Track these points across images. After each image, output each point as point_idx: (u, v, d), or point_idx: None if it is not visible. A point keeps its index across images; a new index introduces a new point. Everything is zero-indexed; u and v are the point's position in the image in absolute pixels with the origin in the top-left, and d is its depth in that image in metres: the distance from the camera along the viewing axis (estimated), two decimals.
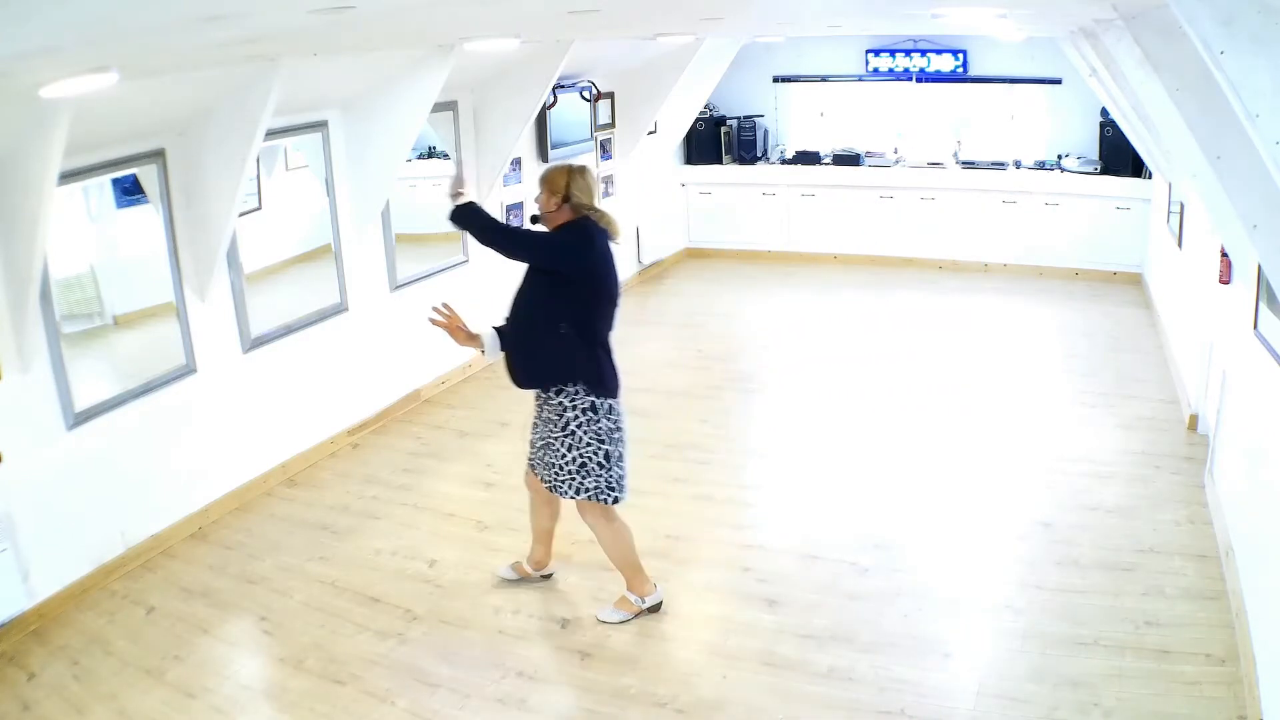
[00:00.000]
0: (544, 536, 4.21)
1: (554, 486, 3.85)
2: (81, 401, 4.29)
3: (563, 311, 3.69)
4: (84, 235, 4.51)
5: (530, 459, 3.98)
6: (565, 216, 3.77)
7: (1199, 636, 3.66)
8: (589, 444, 3.74)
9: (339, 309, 5.84)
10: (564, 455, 3.77)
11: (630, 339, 8.02)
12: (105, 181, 4.45)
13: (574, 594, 4.19)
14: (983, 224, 9.43)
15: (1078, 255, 9.11)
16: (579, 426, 3.73)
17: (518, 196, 7.57)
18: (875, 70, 9.68)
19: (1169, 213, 7.04)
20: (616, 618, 3.97)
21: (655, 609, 4.00)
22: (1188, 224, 6.20)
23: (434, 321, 3.77)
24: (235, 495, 5.12)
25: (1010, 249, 9.37)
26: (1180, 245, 6.51)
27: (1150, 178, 8.41)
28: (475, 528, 4.81)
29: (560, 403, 3.75)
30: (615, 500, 3.83)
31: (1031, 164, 9.29)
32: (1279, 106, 1.83)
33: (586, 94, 8.11)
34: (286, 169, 5.72)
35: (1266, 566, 3.46)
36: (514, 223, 7.60)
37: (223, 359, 5.05)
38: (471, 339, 3.78)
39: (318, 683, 3.66)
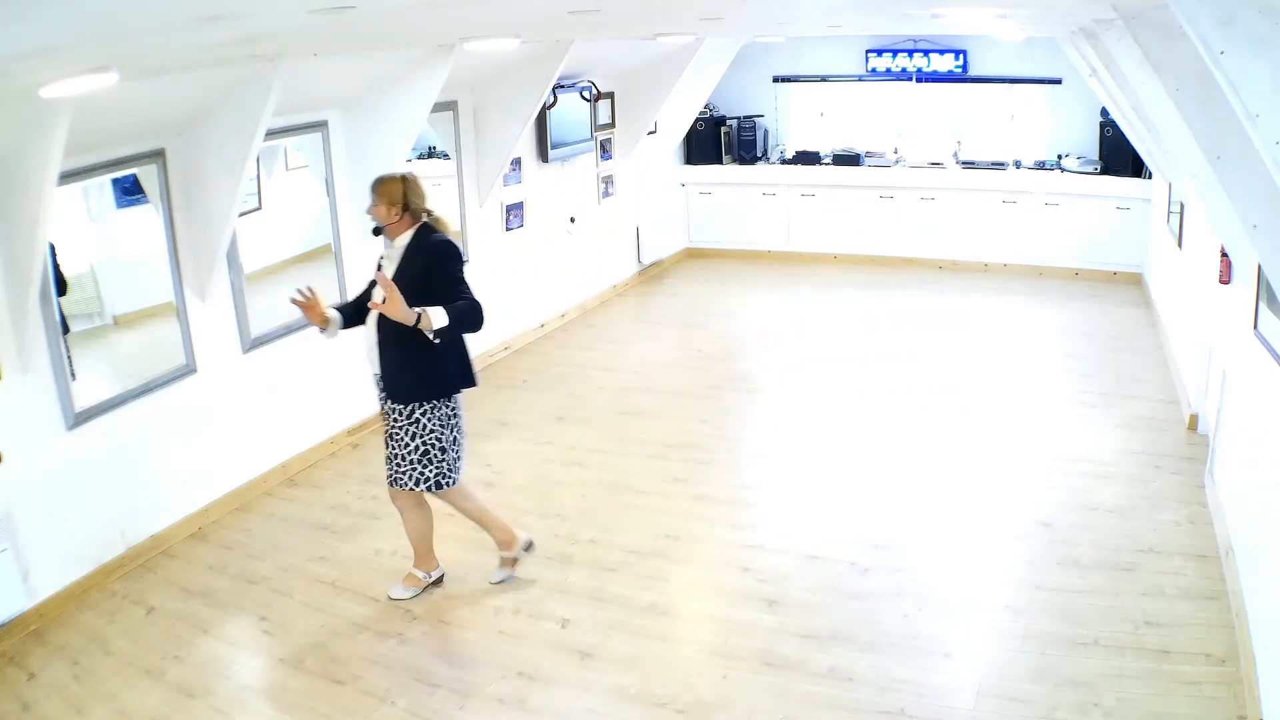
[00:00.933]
0: (485, 520, 4.25)
1: (395, 480, 3.96)
2: (81, 401, 4.29)
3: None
4: (84, 235, 4.51)
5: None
6: (406, 225, 3.84)
7: (1199, 636, 3.66)
8: (433, 431, 3.90)
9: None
10: (408, 445, 3.89)
11: (630, 339, 8.04)
12: (105, 181, 4.45)
13: (574, 594, 4.19)
14: (983, 224, 9.43)
15: (1078, 255, 9.11)
16: (424, 415, 3.88)
17: (518, 197, 7.58)
18: (875, 70, 9.68)
19: (1169, 213, 7.04)
20: (408, 593, 4.18)
21: (438, 581, 4.28)
22: (1188, 224, 6.20)
23: (295, 301, 3.89)
24: (235, 495, 5.12)
25: (1010, 249, 9.37)
26: (1180, 245, 6.51)
27: (1150, 178, 8.41)
28: (475, 528, 4.79)
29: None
30: (451, 484, 4.00)
31: (1031, 164, 9.29)
32: (1279, 106, 1.83)
33: (586, 94, 8.11)
34: (286, 169, 5.72)
35: (1266, 566, 3.46)
36: (510, 220, 7.61)
37: (223, 359, 5.05)
38: (325, 321, 3.92)
39: (318, 683, 3.66)
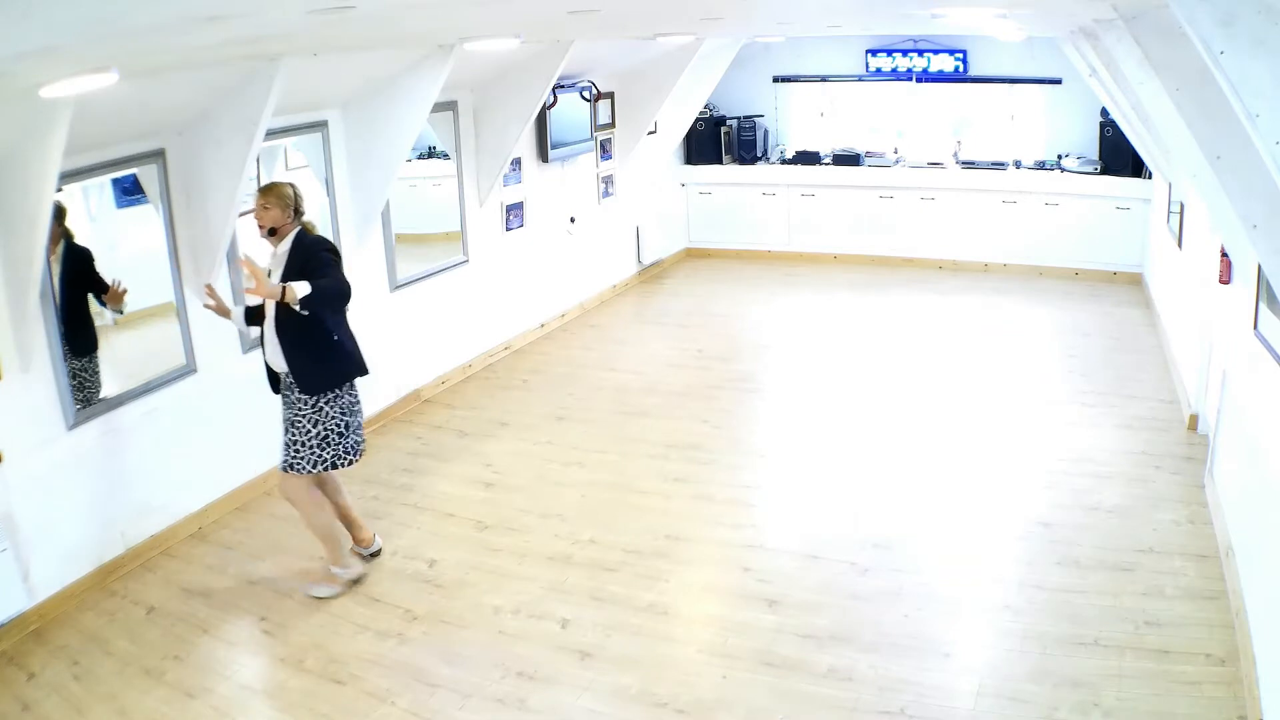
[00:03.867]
0: (348, 519, 4.46)
1: (292, 464, 4.08)
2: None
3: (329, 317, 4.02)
4: (84, 235, 4.50)
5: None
6: (293, 228, 4.02)
7: (1199, 636, 3.66)
8: (334, 418, 4.08)
9: None
10: (308, 431, 4.05)
11: (630, 339, 8.04)
12: (105, 181, 4.45)
13: (574, 594, 4.19)
14: (983, 224, 9.43)
15: (1078, 255, 9.11)
16: (328, 403, 4.07)
17: (518, 197, 7.58)
18: (875, 70, 9.68)
19: (1169, 213, 7.04)
20: (328, 591, 4.22)
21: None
22: (1188, 224, 6.20)
23: (206, 305, 4.25)
24: (235, 495, 5.12)
25: (1010, 249, 9.37)
26: (1180, 245, 6.52)
27: (1150, 178, 8.41)
28: (475, 527, 4.81)
29: None
30: (350, 463, 4.19)
31: (1031, 164, 9.29)
32: (1279, 106, 1.83)
33: (586, 94, 8.11)
34: (286, 169, 5.72)
35: (1266, 566, 3.46)
36: (510, 220, 7.60)
37: (223, 359, 5.05)
38: (224, 312, 4.24)
39: (318, 683, 3.66)
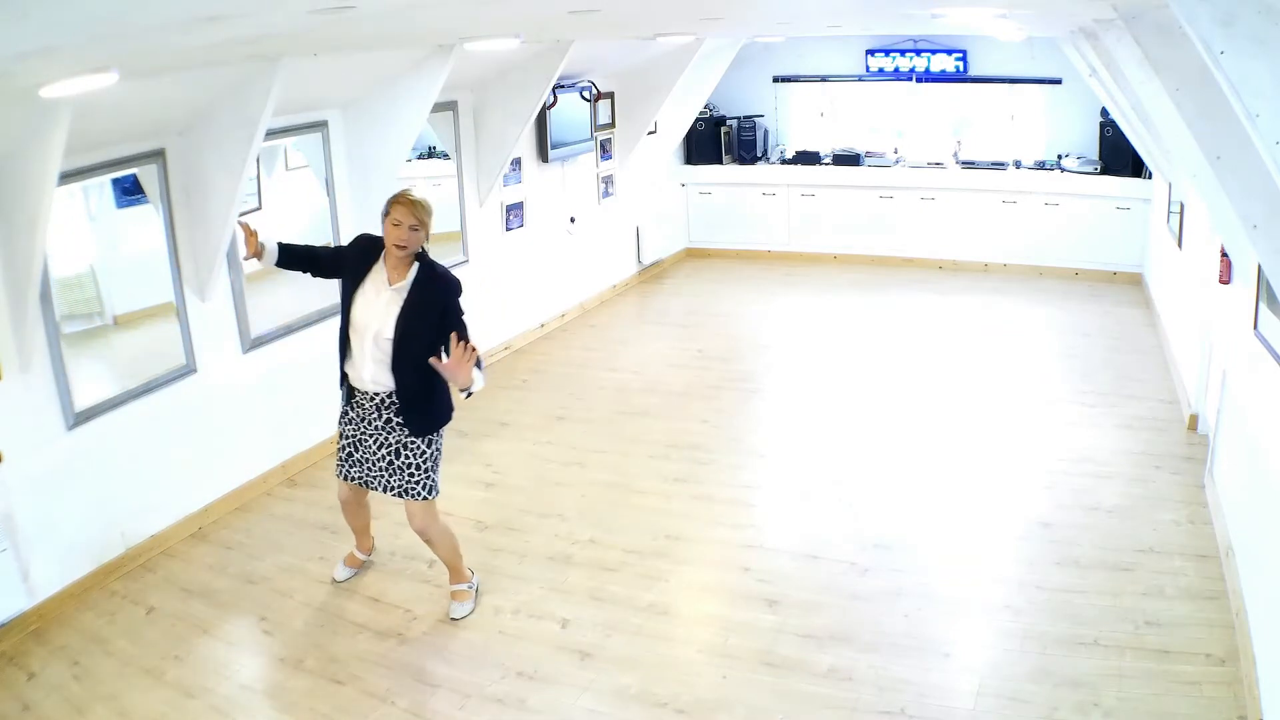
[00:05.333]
0: (366, 528, 4.40)
1: (408, 489, 3.86)
2: (81, 401, 4.29)
3: (437, 345, 3.70)
4: (84, 235, 4.51)
5: (360, 476, 3.95)
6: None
7: (1199, 636, 3.66)
8: (440, 436, 3.92)
9: (339, 309, 5.83)
10: (423, 453, 3.85)
11: (630, 339, 8.04)
12: (105, 181, 4.45)
13: (574, 594, 4.19)
14: (983, 224, 9.43)
15: (1078, 255, 9.11)
16: (438, 434, 3.92)
17: (518, 197, 7.58)
18: (875, 70, 9.68)
19: (1169, 213, 7.04)
20: (467, 609, 4.08)
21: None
22: (1188, 224, 6.20)
23: (241, 224, 3.96)
24: (235, 495, 5.12)
25: (1010, 249, 9.37)
26: (1180, 245, 6.51)
27: (1150, 178, 8.41)
28: (475, 527, 4.80)
29: None
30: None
31: (1031, 164, 9.29)
32: (1279, 106, 1.83)
33: (586, 94, 8.11)
34: (286, 169, 5.72)
35: (1266, 566, 3.46)
36: (510, 220, 7.61)
37: (223, 359, 5.05)
38: (258, 250, 3.82)
39: (318, 683, 3.66)
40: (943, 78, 9.50)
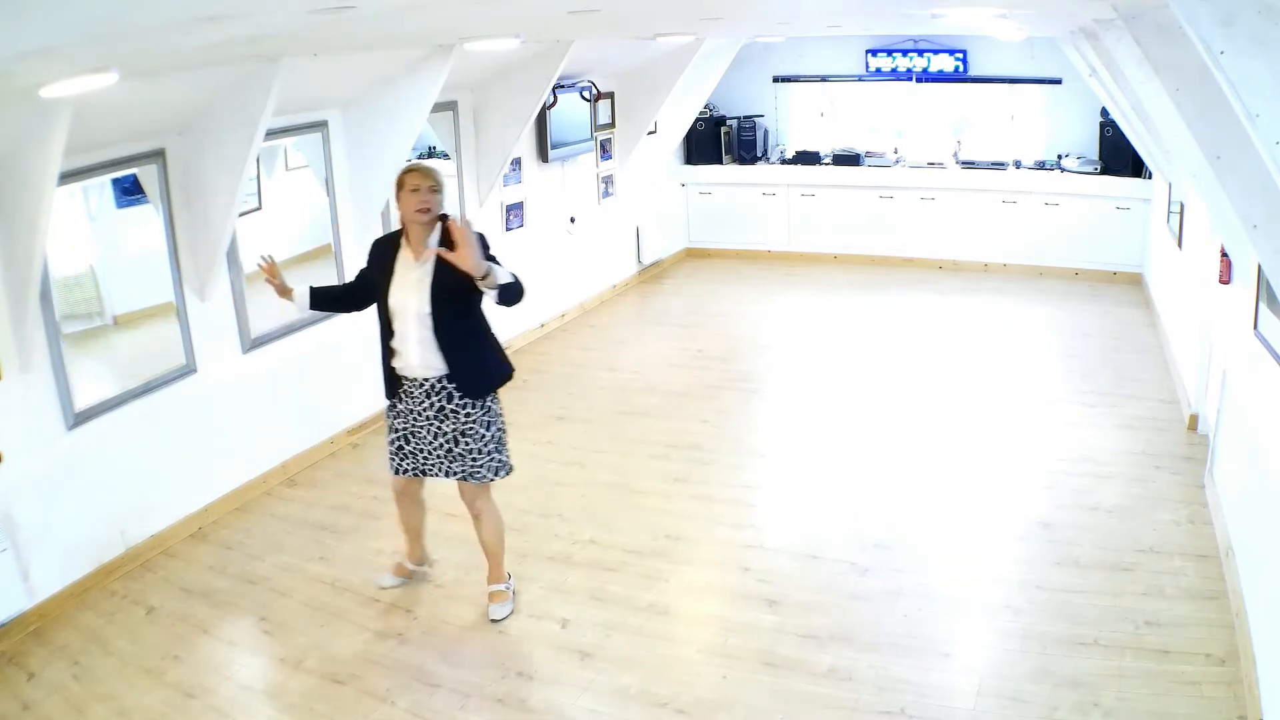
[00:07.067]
0: (419, 534, 4.25)
1: (471, 474, 3.80)
2: (81, 401, 4.29)
3: (481, 312, 3.74)
4: (84, 235, 4.51)
5: (415, 467, 3.88)
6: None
7: (1199, 636, 3.66)
8: (499, 415, 3.84)
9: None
10: (483, 436, 3.76)
11: (630, 339, 8.04)
12: (105, 181, 4.45)
13: (574, 594, 4.19)
14: (983, 224, 9.43)
15: (1078, 255, 9.11)
16: (493, 401, 3.82)
17: (518, 197, 7.58)
18: (875, 70, 9.68)
19: (1169, 213, 7.04)
20: (507, 610, 4.04)
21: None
22: (1188, 224, 6.20)
23: (261, 268, 3.84)
24: (235, 495, 5.12)
25: (1010, 249, 9.37)
26: (1180, 245, 6.51)
27: (1150, 178, 8.41)
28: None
29: None
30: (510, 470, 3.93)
31: (1031, 164, 9.29)
32: (1279, 106, 1.83)
33: (586, 94, 8.11)
34: (286, 169, 5.71)
35: (1266, 566, 3.46)
36: (510, 220, 7.61)
37: (223, 359, 5.05)
38: (285, 292, 3.83)
39: (318, 683, 3.66)
40: (943, 78, 9.49)
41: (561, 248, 8.29)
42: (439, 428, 3.76)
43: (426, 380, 3.71)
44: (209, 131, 4.55)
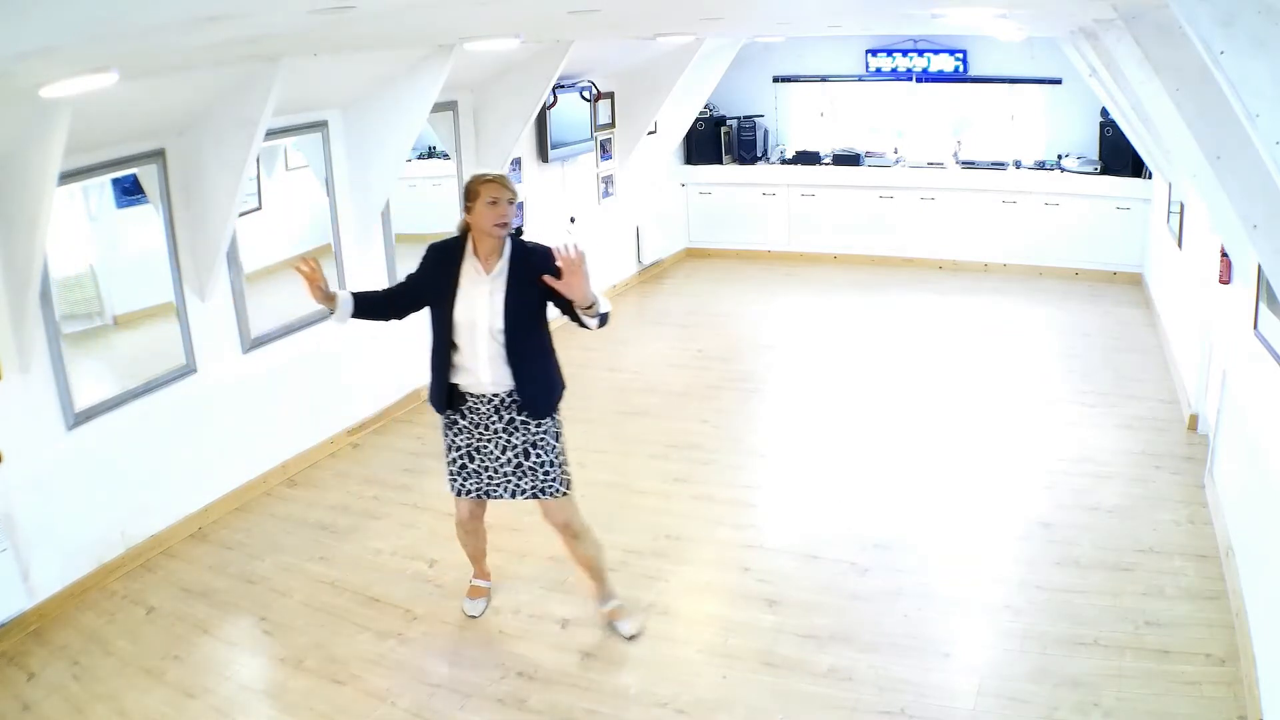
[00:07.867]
0: (483, 554, 4.12)
1: (544, 488, 3.63)
2: (81, 401, 4.29)
3: (546, 327, 3.63)
4: (84, 235, 4.51)
5: (479, 488, 3.69)
6: None
7: (1199, 636, 3.66)
8: (560, 429, 3.71)
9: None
10: (554, 447, 3.64)
11: (630, 339, 8.04)
12: (105, 181, 4.45)
13: (574, 594, 4.19)
14: (983, 224, 9.43)
15: (1078, 255, 9.11)
16: (556, 413, 3.70)
17: (518, 197, 7.56)
18: (875, 70, 9.68)
19: (1169, 213, 7.04)
20: (639, 622, 3.91)
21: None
22: (1188, 224, 6.20)
23: (298, 269, 3.46)
24: (235, 495, 5.12)
25: (1010, 249, 9.37)
26: (1180, 245, 6.51)
27: (1150, 178, 8.41)
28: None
29: None
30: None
31: (1031, 164, 9.29)
32: (1279, 106, 1.83)
33: (586, 94, 8.11)
34: (286, 169, 5.72)
35: (1266, 566, 3.46)
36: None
37: (223, 359, 5.05)
38: (328, 299, 3.48)
39: (318, 683, 3.66)
40: (943, 78, 9.49)
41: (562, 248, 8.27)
42: (509, 440, 3.59)
43: (496, 395, 3.55)
44: (209, 131, 4.55)
